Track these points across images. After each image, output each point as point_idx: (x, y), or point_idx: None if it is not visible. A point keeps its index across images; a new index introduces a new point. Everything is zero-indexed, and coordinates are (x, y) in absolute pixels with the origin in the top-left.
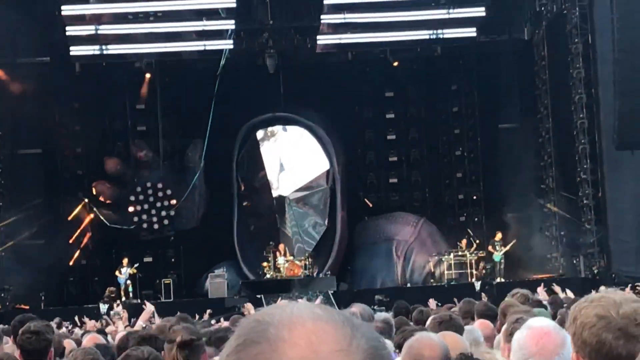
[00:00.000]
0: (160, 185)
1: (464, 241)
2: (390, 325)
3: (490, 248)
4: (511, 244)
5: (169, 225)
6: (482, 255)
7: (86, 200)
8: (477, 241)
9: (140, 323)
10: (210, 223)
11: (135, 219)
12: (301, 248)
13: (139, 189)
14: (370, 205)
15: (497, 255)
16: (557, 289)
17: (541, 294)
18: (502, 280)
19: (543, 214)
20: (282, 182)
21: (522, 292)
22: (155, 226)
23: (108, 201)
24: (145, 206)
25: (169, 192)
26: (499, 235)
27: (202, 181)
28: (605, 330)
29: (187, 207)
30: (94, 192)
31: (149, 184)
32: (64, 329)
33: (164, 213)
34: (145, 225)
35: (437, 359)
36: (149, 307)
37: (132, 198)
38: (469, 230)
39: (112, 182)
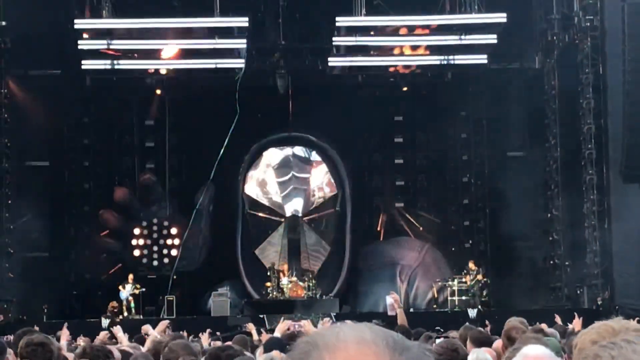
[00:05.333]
0: (166, 223)
1: (472, 263)
2: None
3: (467, 278)
4: (481, 273)
5: (169, 264)
6: (487, 282)
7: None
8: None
9: (155, 334)
10: (211, 268)
11: (137, 252)
12: (306, 269)
13: (144, 223)
14: (378, 229)
15: (471, 284)
16: (557, 319)
17: (576, 324)
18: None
19: (548, 243)
20: (291, 203)
21: (518, 320)
22: (155, 263)
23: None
24: (149, 241)
25: (174, 231)
26: (471, 264)
27: (207, 226)
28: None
29: (190, 249)
30: (100, 219)
31: (155, 220)
32: (64, 342)
33: (165, 251)
34: (144, 261)
35: None
36: (164, 320)
37: (137, 231)
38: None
39: (119, 211)
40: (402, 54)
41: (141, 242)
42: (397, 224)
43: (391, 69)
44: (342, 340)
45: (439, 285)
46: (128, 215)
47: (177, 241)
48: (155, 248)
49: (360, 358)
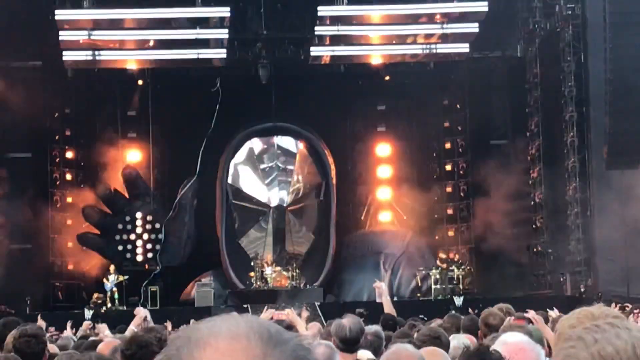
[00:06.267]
0: (149, 218)
1: (441, 254)
2: (381, 338)
3: (441, 265)
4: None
5: (153, 259)
6: (470, 270)
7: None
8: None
9: (131, 328)
10: (195, 259)
11: (120, 247)
12: (290, 259)
13: (128, 218)
14: (362, 219)
15: (434, 273)
16: (531, 313)
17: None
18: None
19: (532, 231)
20: (274, 192)
21: (504, 307)
22: (139, 258)
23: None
24: (132, 237)
25: (157, 226)
26: (441, 254)
27: (191, 220)
28: None
29: (174, 244)
30: (83, 215)
31: (139, 215)
32: (48, 334)
33: (149, 246)
34: (128, 256)
35: None
36: (141, 313)
37: (120, 226)
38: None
39: (102, 208)
40: (415, 42)
41: (125, 237)
42: (380, 213)
43: (399, 58)
44: (213, 335)
45: (422, 274)
46: (111, 210)
47: (161, 236)
48: (139, 243)
49: (231, 353)
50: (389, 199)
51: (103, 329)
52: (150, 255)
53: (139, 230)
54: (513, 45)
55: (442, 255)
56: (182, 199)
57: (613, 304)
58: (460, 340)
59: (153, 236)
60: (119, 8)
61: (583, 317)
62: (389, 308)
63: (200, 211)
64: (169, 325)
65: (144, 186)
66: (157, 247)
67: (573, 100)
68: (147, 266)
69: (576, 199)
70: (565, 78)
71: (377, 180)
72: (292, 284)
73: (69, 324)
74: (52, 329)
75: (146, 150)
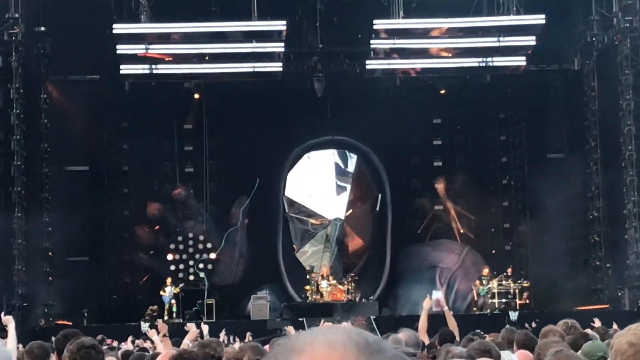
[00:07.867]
0: (202, 238)
1: (486, 270)
2: None
3: (477, 282)
4: (496, 280)
5: (205, 278)
6: (527, 284)
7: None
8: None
9: (186, 342)
10: (251, 273)
11: (172, 267)
12: (346, 271)
13: (180, 238)
14: (419, 232)
15: (482, 290)
16: (597, 322)
17: (597, 323)
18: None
19: (589, 245)
20: (332, 205)
21: (569, 321)
22: (191, 277)
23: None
24: (184, 256)
25: (209, 245)
26: (485, 270)
27: (244, 239)
28: (634, 357)
29: (226, 263)
30: (136, 235)
31: (190, 235)
32: (105, 347)
33: (201, 266)
34: (181, 275)
35: None
36: (194, 328)
37: (172, 246)
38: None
39: (154, 227)
40: (471, 55)
41: (177, 256)
42: (436, 227)
43: (455, 71)
44: (310, 342)
45: (478, 288)
46: (164, 229)
47: (213, 255)
48: (191, 262)
49: None
50: (445, 212)
51: (152, 334)
52: (202, 275)
53: (190, 250)
54: (570, 58)
55: (486, 273)
56: (232, 218)
57: None
58: (509, 357)
59: (205, 256)
60: (176, 22)
61: None
62: (450, 321)
63: (254, 226)
64: (222, 334)
65: (195, 206)
66: (209, 266)
67: (631, 113)
68: (199, 286)
69: (634, 212)
70: (623, 91)
71: (433, 193)
72: (347, 298)
73: (130, 339)
74: (109, 340)
75: (201, 164)
